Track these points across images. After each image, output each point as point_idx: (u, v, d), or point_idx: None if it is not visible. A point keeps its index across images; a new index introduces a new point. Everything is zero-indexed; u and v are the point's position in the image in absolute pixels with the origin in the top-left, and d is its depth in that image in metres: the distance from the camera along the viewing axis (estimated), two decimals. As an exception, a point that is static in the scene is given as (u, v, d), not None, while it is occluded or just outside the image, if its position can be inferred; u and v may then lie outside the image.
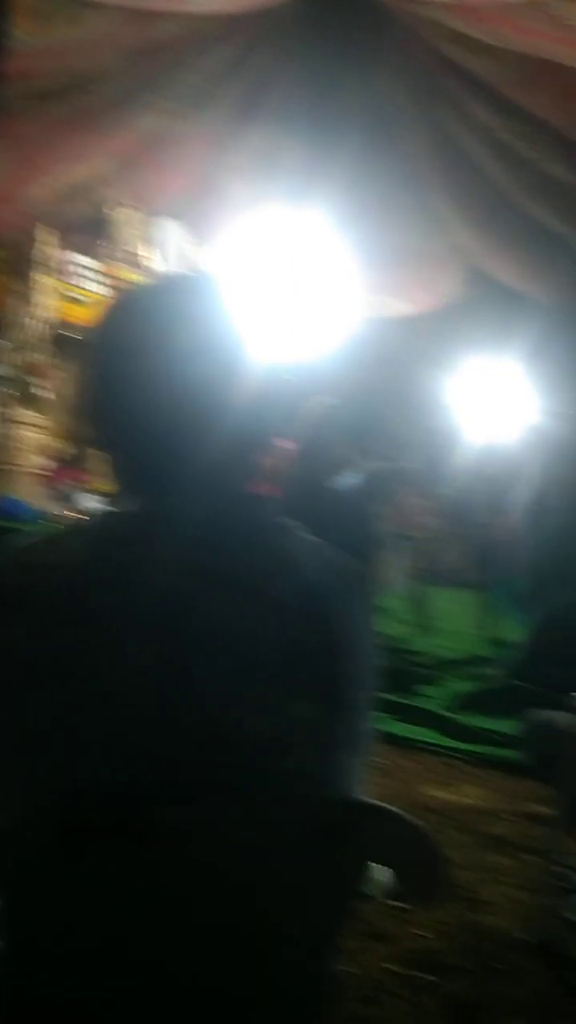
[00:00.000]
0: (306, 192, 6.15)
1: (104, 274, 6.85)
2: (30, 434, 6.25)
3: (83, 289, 6.71)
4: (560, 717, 2.71)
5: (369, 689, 1.07)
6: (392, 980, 2.27)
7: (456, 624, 7.25)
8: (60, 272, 6.62)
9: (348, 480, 4.91)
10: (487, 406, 8.61)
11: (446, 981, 2.31)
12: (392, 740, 4.14)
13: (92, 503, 5.61)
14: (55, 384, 6.36)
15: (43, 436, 6.33)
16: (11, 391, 6.17)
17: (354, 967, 2.27)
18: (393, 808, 1.00)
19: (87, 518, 1.23)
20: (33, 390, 6.29)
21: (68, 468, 6.36)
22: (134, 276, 6.59)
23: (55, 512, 5.77)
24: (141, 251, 7.09)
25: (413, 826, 1.00)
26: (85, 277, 6.81)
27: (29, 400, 6.27)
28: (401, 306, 8.23)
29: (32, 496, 5.97)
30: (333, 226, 6.41)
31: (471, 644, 6.66)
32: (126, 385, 1.04)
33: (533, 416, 7.95)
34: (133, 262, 6.98)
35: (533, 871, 2.90)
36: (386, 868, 1.05)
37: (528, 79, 5.20)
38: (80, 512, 5.55)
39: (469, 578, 8.00)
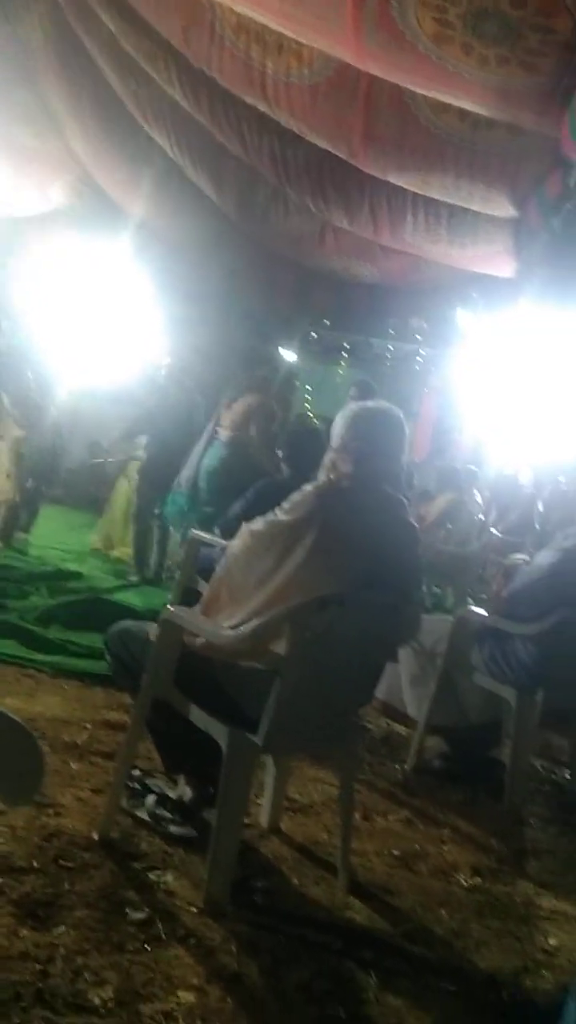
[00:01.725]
0: None
1: None
2: None
3: None
4: (141, 626, 2.85)
5: None
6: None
7: (52, 540, 7.26)
8: None
9: None
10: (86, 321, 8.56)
11: (16, 882, 2.37)
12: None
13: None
14: None
15: None
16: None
17: None
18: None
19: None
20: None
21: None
22: None
23: None
24: None
25: (17, 726, 1.03)
26: None
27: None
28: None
29: None
30: None
31: (62, 559, 6.71)
32: None
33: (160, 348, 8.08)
34: None
35: (106, 775, 3.05)
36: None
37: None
38: None
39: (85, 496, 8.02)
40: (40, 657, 4.19)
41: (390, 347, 14.81)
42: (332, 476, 2.65)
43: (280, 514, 2.60)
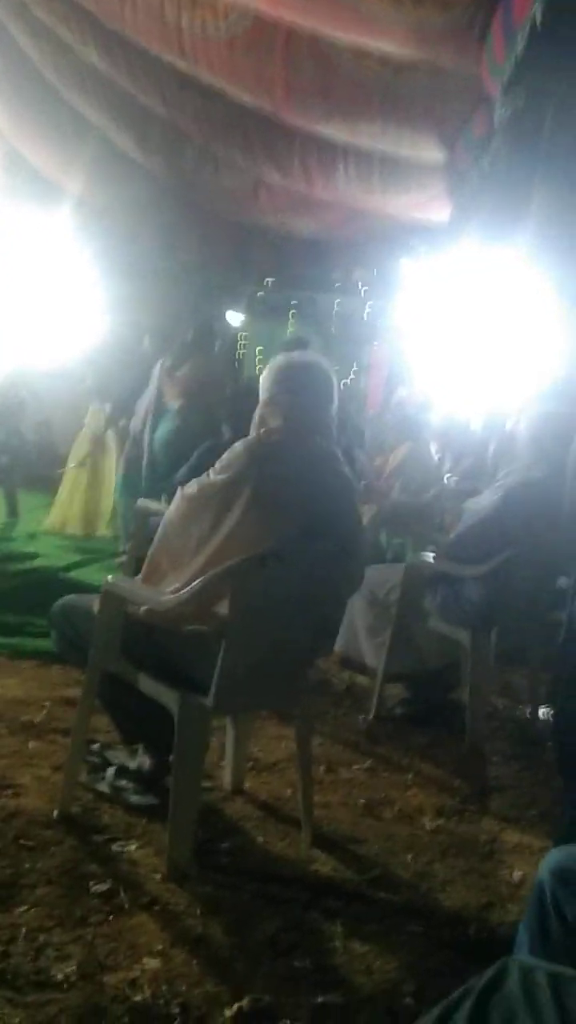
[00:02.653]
0: None
1: None
2: None
3: None
4: (84, 599, 2.82)
5: None
6: None
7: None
8: None
9: None
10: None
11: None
12: None
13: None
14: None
15: None
16: None
17: None
18: None
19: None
20: None
21: None
22: None
23: None
24: None
25: None
26: None
27: None
28: None
29: None
30: None
31: (13, 541, 6.64)
32: None
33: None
34: None
35: (66, 753, 3.03)
36: None
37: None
38: None
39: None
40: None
41: (336, 302, 14.72)
42: (262, 431, 2.62)
43: (213, 475, 2.57)
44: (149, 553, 2.70)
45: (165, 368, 6.01)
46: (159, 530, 2.68)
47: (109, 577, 2.70)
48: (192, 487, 2.60)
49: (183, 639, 2.58)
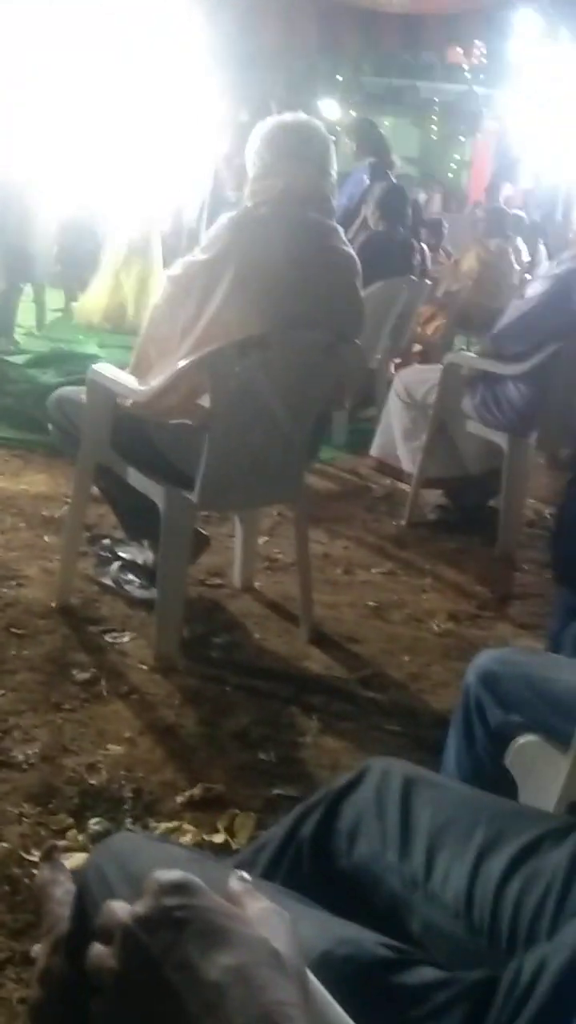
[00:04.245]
0: None
1: None
2: None
3: None
4: (79, 391, 2.71)
5: None
6: None
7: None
8: None
9: None
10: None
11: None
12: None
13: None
14: None
15: None
16: None
17: None
18: None
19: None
20: None
21: None
22: None
23: None
24: None
25: None
26: None
27: None
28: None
29: None
30: None
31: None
32: None
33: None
34: None
35: (80, 547, 3.02)
36: None
37: None
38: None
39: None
40: (32, 437, 4.11)
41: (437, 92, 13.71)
42: (248, 205, 2.38)
43: (198, 253, 2.37)
44: (137, 342, 2.55)
45: (223, 155, 5.65)
46: (147, 317, 2.53)
47: (94, 366, 2.57)
48: (177, 268, 2.42)
49: (172, 433, 2.47)
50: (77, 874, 0.81)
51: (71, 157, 6.41)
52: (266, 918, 0.56)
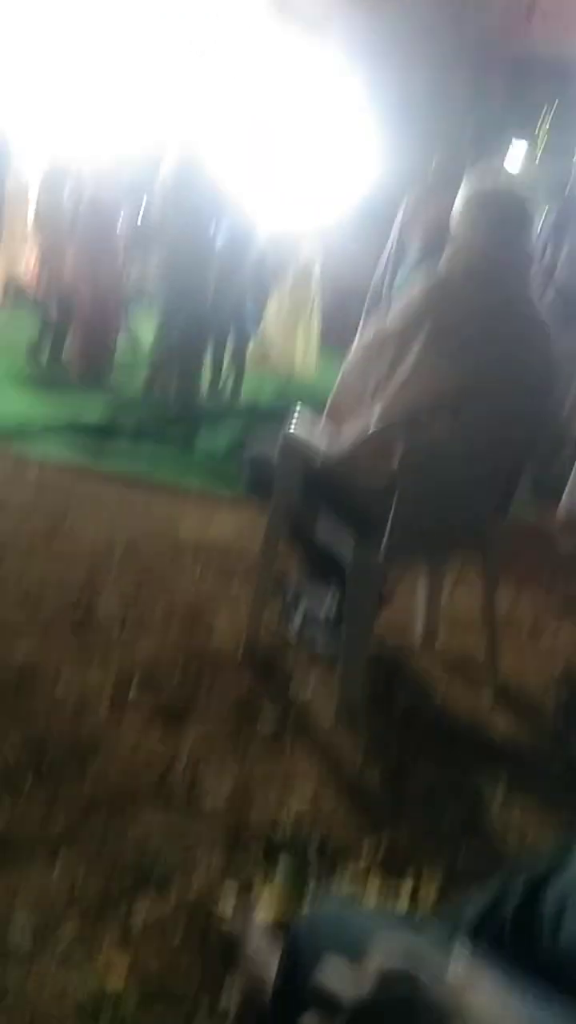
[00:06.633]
0: None
1: None
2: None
3: None
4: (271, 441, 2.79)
5: None
6: (102, 699, 2.43)
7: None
8: None
9: None
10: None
11: (156, 693, 2.49)
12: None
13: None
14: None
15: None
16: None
17: (74, 689, 2.43)
18: None
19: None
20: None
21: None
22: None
23: None
24: None
25: None
26: None
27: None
28: None
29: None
30: None
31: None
32: None
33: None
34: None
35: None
36: None
37: None
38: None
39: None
40: (221, 485, 4.25)
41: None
42: (444, 272, 2.40)
43: (388, 321, 2.42)
44: (330, 396, 2.61)
45: (408, 209, 5.66)
46: (340, 374, 2.59)
47: (295, 413, 2.64)
48: (369, 332, 2.46)
49: (363, 488, 2.51)
50: (286, 932, 0.83)
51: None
52: (490, 1013, 0.56)
